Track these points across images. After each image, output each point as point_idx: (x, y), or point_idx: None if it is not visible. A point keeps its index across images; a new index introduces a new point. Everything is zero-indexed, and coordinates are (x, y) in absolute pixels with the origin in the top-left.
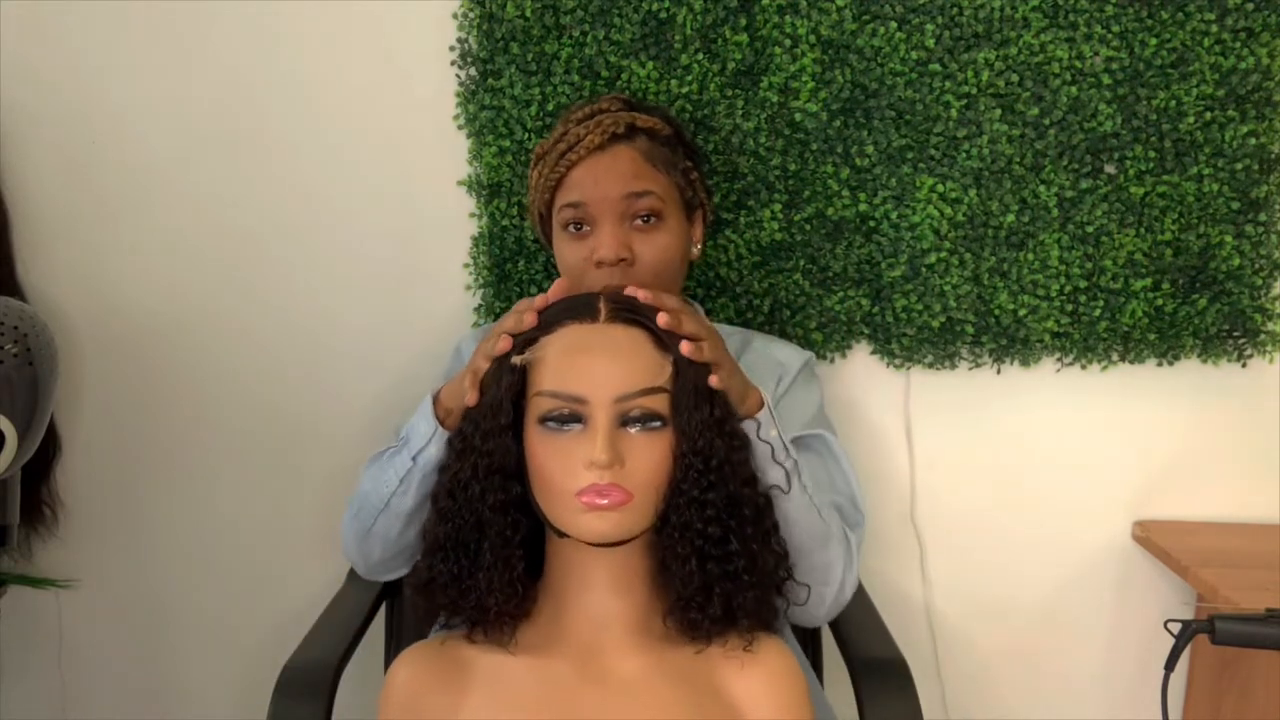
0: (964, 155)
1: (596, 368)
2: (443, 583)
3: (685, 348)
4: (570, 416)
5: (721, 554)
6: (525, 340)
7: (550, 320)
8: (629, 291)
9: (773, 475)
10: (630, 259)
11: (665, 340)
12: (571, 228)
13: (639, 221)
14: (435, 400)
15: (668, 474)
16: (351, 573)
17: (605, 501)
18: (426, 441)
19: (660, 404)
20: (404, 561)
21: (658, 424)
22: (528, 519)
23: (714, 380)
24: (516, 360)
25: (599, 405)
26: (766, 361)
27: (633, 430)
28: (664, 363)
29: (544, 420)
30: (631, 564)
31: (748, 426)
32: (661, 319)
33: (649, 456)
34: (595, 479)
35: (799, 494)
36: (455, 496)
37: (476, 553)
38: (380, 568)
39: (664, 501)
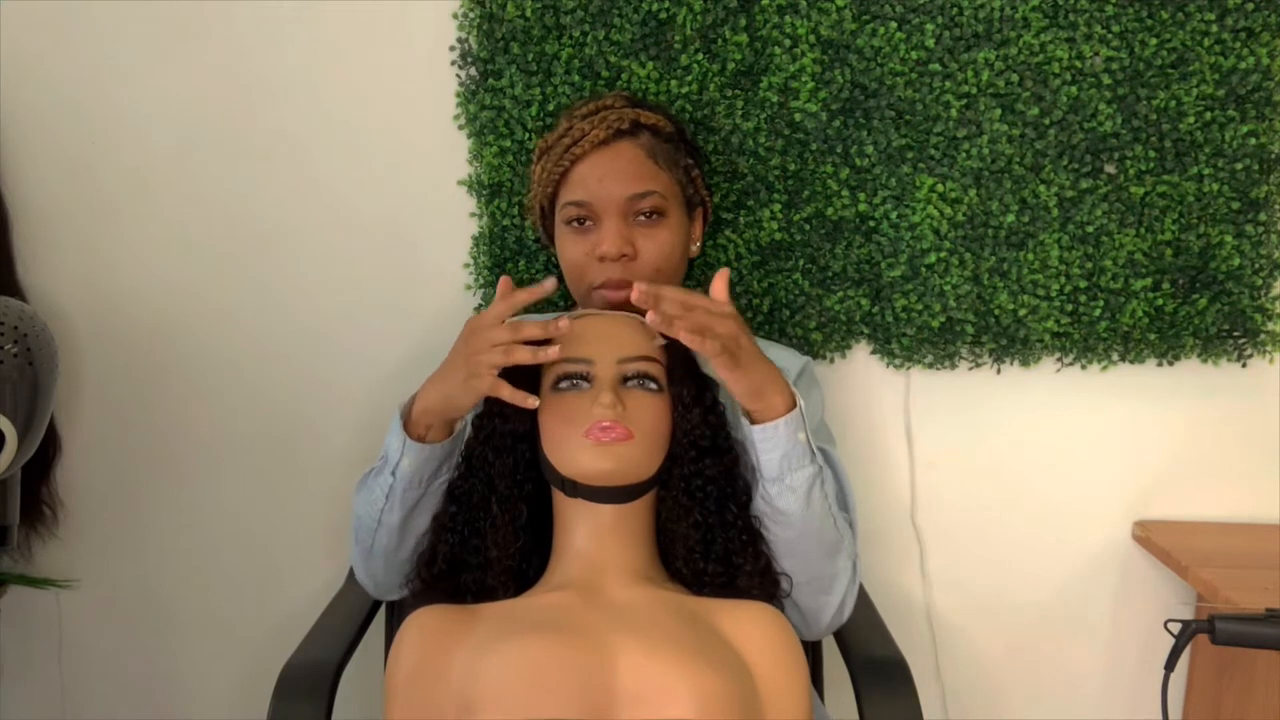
0: (964, 155)
1: (600, 336)
2: (447, 551)
3: (685, 339)
4: (579, 376)
5: (719, 515)
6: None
7: (560, 314)
8: (635, 293)
9: (799, 477)
10: (632, 254)
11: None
12: (575, 223)
13: (641, 218)
14: (406, 416)
15: (666, 432)
16: (352, 572)
17: (609, 435)
18: (400, 455)
19: (656, 371)
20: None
21: (655, 386)
22: (534, 484)
23: (721, 371)
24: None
25: (603, 365)
26: None
27: (632, 386)
28: (655, 341)
29: (557, 383)
30: (635, 522)
31: (772, 426)
32: (650, 318)
33: (647, 408)
34: (600, 417)
35: (819, 500)
36: (471, 464)
37: (485, 513)
38: (388, 586)
39: (663, 465)
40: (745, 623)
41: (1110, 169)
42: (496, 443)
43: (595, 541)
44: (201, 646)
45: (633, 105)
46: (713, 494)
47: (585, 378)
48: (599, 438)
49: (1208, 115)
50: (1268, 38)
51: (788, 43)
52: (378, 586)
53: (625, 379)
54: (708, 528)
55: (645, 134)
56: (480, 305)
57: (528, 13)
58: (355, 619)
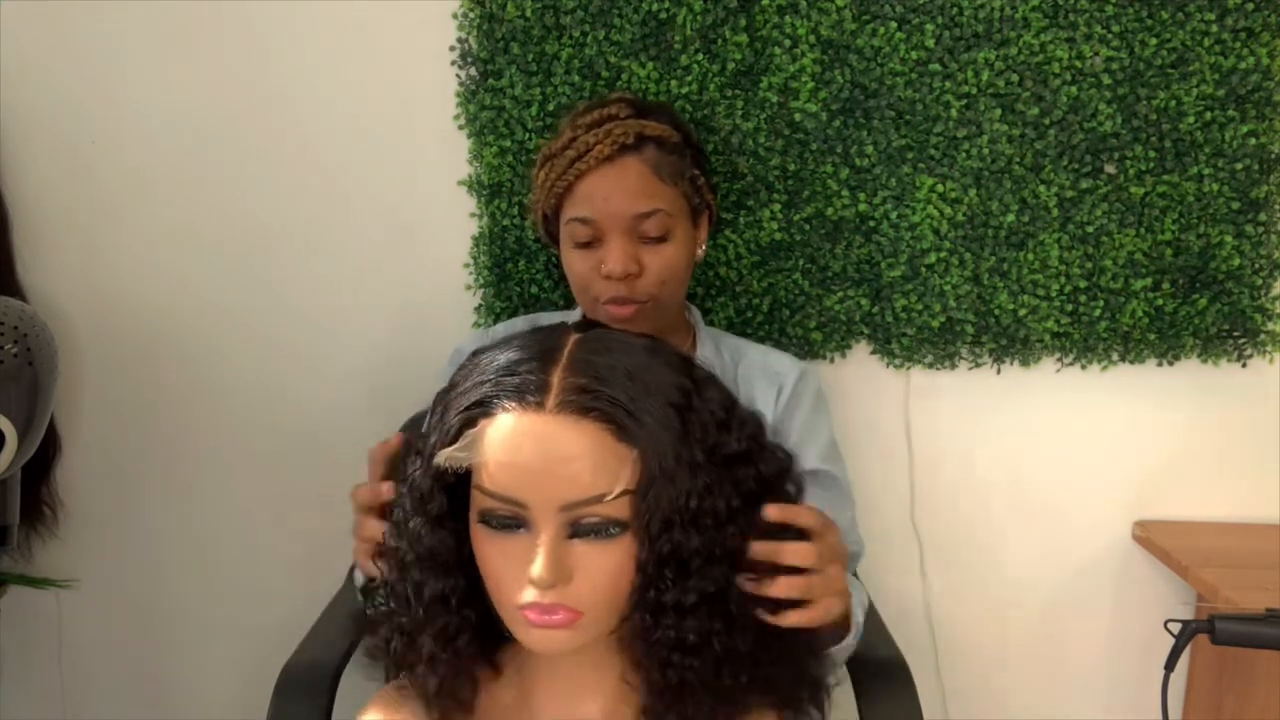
0: (964, 155)
1: (539, 471)
2: (393, 651)
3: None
4: (512, 521)
5: (701, 660)
6: (463, 420)
7: (490, 397)
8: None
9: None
10: (638, 271)
11: (629, 429)
12: (580, 239)
13: (647, 235)
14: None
15: (628, 581)
16: (351, 573)
17: (547, 620)
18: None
19: (618, 509)
20: None
21: (616, 530)
22: (476, 611)
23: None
24: (443, 461)
25: (542, 513)
26: (763, 373)
27: (585, 540)
28: (625, 459)
29: (484, 519)
30: (597, 661)
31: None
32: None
33: (602, 569)
34: (537, 597)
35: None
36: (397, 579)
37: (420, 640)
38: None
39: (626, 606)
40: None
41: (1110, 169)
42: (420, 574)
43: (552, 676)
44: (201, 646)
45: (637, 112)
46: (688, 642)
47: (520, 523)
48: (534, 621)
49: (1208, 115)
50: (1268, 38)
51: (788, 43)
52: None
53: (574, 530)
54: (682, 682)
55: (650, 147)
56: (480, 305)
57: (528, 13)
58: (355, 619)
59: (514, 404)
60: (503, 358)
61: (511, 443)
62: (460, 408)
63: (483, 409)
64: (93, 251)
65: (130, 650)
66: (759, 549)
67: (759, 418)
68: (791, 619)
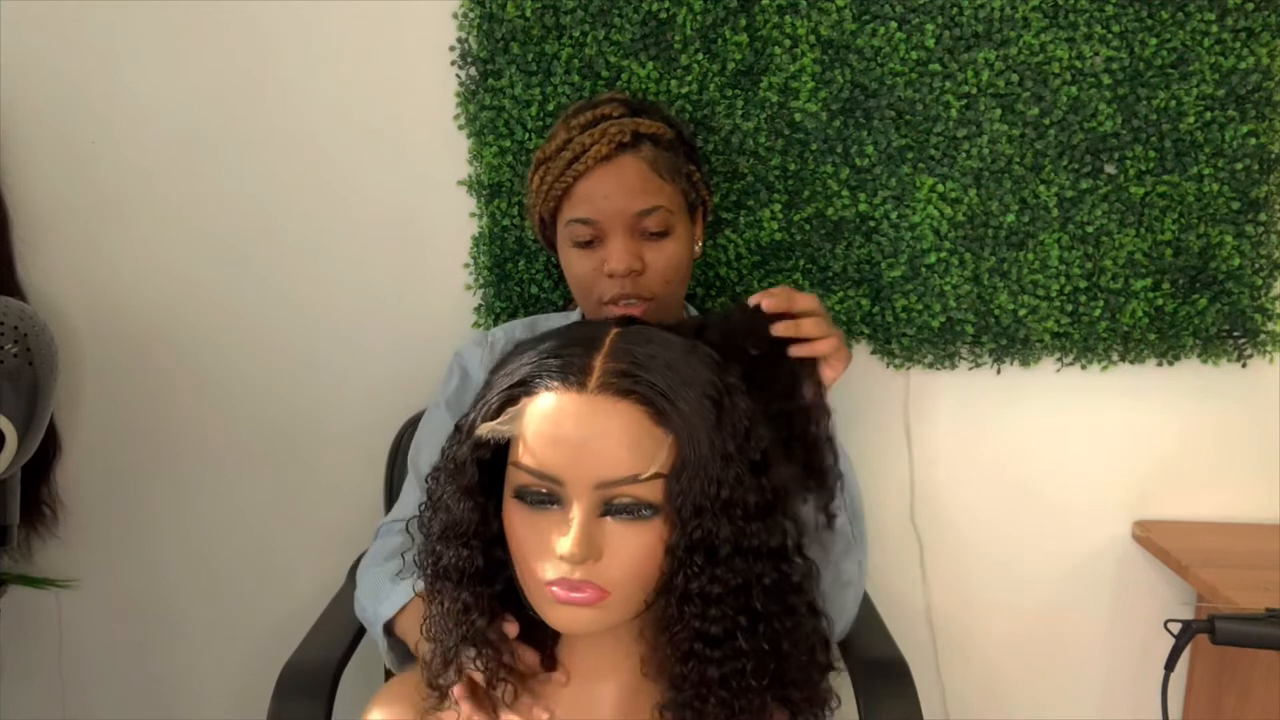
0: (964, 155)
1: (576, 447)
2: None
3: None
4: (546, 497)
5: (723, 654)
6: (504, 399)
7: (533, 376)
8: (761, 302)
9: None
10: (641, 268)
11: (666, 414)
12: (581, 240)
13: (648, 232)
14: (391, 628)
15: (656, 565)
16: (351, 572)
17: (575, 598)
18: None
19: (651, 491)
20: None
21: (648, 512)
22: (488, 589)
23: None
24: (485, 432)
25: (576, 490)
26: None
27: (617, 519)
28: (661, 443)
29: (519, 495)
30: (616, 648)
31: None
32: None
33: (632, 550)
34: (566, 573)
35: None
36: (422, 549)
37: (433, 610)
38: None
39: (652, 592)
40: None
41: (1110, 169)
42: (440, 543)
43: (576, 657)
44: (201, 646)
45: (631, 111)
46: (714, 634)
47: (554, 499)
48: (561, 598)
49: (1208, 115)
50: (1268, 38)
51: (788, 43)
52: None
53: (607, 508)
54: (704, 676)
55: (646, 144)
56: (480, 305)
57: (528, 13)
58: (355, 619)
59: (556, 383)
60: (546, 345)
61: (552, 419)
62: (503, 387)
63: (525, 388)
64: (93, 251)
65: (130, 650)
66: (780, 327)
67: (771, 436)
68: (815, 348)
